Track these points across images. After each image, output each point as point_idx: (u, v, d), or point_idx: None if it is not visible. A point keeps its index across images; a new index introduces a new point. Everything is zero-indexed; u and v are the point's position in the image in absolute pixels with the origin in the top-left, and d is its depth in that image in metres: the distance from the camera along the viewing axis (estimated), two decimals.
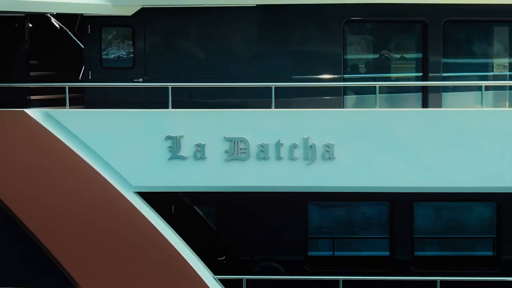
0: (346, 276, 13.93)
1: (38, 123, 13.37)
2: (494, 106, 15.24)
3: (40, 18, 15.75)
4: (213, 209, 15.01)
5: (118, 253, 13.41)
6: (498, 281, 14.08)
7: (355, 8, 14.66)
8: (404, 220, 15.02)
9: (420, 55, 15.17)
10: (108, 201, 13.33)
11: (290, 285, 14.53)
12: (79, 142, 13.37)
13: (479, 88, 14.41)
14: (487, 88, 15.25)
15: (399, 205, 14.84)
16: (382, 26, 15.39)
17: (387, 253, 15.21)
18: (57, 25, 16.43)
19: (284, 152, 13.33)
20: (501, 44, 15.69)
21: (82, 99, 14.80)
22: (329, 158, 13.33)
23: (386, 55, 15.53)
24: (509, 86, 15.47)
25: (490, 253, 15.24)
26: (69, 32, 16.22)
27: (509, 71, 15.55)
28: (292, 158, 13.33)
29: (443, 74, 14.99)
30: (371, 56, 15.70)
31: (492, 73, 15.77)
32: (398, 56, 15.64)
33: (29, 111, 13.47)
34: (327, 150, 13.28)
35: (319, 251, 15.52)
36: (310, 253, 15.31)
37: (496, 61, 15.82)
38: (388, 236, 15.23)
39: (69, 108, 13.74)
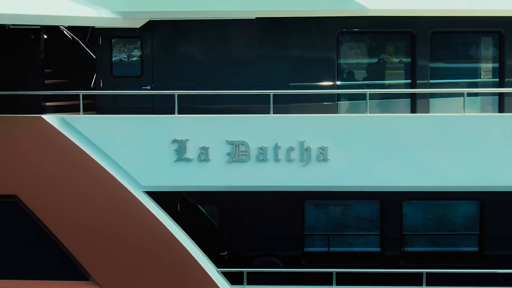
0: (339, 269, 14.99)
1: (54, 128, 14.39)
2: (481, 111, 16.31)
3: (54, 30, 16.72)
4: (216, 208, 16.07)
5: (128, 247, 14.45)
6: (480, 273, 15.13)
7: (348, 21, 15.73)
8: (393, 218, 16.04)
9: (409, 63, 16.30)
10: (119, 200, 14.36)
11: (287, 278, 15.58)
12: (92, 146, 14.39)
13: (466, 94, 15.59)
14: (477, 94, 16.41)
15: (389, 204, 15.87)
16: (373, 37, 16.51)
17: (378, 249, 16.26)
18: (69, 36, 17.44)
19: (281, 154, 14.36)
20: (485, 52, 16.80)
21: (93, 105, 15.83)
22: (323, 159, 14.37)
23: (384, 59, 16.62)
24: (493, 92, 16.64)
25: (475, 249, 16.27)
26: (81, 43, 17.18)
27: (493, 78, 16.61)
28: (289, 160, 14.37)
29: (431, 81, 16.08)
30: (363, 64, 16.81)
31: (478, 79, 16.86)
32: (389, 64, 16.75)
33: (46, 117, 14.48)
34: (321, 152, 14.32)
35: (315, 247, 16.45)
36: (306, 249, 16.26)
37: (481, 67, 16.92)
38: (379, 233, 16.32)
39: (83, 114, 14.84)
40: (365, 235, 16.43)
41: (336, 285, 14.74)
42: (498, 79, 16.33)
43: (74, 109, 15.34)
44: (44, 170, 14.48)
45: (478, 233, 16.12)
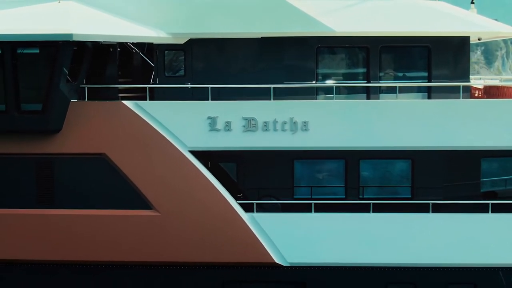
0: (316, 201, 22.41)
1: (130, 109, 21.73)
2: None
3: (122, 44, 23.49)
4: (234, 164, 23.17)
5: (178, 186, 21.74)
6: (409, 204, 22.38)
7: (323, 39, 23.26)
8: (353, 173, 23.26)
9: (365, 69, 23.74)
10: (173, 155, 21.72)
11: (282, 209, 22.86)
12: (155, 121, 21.64)
13: (408, 91, 22.98)
14: (419, 90, 23.82)
15: (350, 162, 23.18)
16: (340, 50, 24.07)
17: (343, 196, 23.27)
18: (131, 49, 24.76)
19: (278, 126, 21.72)
20: (420, 61, 24.24)
21: (152, 96, 22.75)
22: (306, 129, 21.81)
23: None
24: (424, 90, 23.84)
25: (409, 196, 23.25)
26: (141, 53, 24.42)
27: (429, 81, 23.82)
28: (283, 130, 21.75)
29: (380, 82, 23.66)
30: (335, 71, 24.14)
31: (413, 82, 23.94)
32: (352, 70, 24.19)
33: (125, 102, 21.82)
34: (304, 125, 21.81)
35: (302, 195, 23.33)
36: (296, 197, 23.30)
37: (417, 74, 24.11)
38: (344, 185, 23.45)
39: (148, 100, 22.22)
40: (335, 187, 23.36)
41: (314, 212, 22.25)
42: (427, 80, 23.79)
43: (137, 99, 22.30)
44: (123, 137, 21.74)
45: (411, 185, 23.17)
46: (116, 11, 22.83)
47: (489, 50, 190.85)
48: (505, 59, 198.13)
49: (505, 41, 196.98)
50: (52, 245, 22.24)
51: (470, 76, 24.81)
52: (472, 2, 25.72)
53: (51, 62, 21.02)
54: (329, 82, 23.69)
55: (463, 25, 23.56)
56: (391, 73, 23.99)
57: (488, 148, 22.12)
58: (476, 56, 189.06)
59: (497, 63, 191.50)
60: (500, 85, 25.58)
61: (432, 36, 23.53)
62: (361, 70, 23.96)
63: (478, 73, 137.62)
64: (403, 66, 24.14)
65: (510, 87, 24.69)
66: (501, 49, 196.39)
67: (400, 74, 23.92)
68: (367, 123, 21.95)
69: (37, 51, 21.64)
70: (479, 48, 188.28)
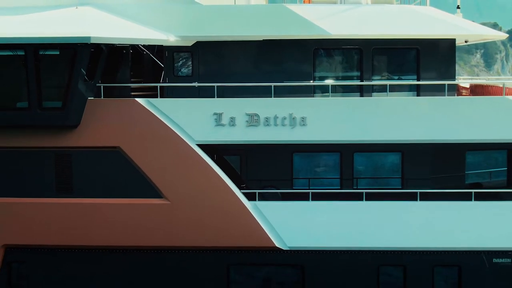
0: (313, 190, 24.33)
1: (143, 106, 23.64)
2: None
3: (133, 46, 25.43)
4: (238, 157, 25.01)
5: (187, 176, 23.61)
6: (399, 193, 24.28)
7: (320, 41, 25.21)
8: (348, 165, 25.09)
9: (358, 70, 25.60)
10: (181, 148, 23.57)
11: (282, 198, 24.73)
12: (165, 116, 23.48)
13: (399, 90, 24.80)
14: (410, 89, 25.68)
15: (345, 154, 25.05)
16: (336, 52, 25.98)
17: (338, 187, 25.25)
18: (142, 51, 26.65)
19: (278, 121, 23.64)
20: (410, 61, 26.10)
21: (162, 93, 24.56)
22: (304, 124, 23.71)
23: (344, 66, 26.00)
24: (414, 89, 25.71)
25: (399, 187, 25.09)
26: (151, 55, 26.37)
27: (418, 80, 25.66)
28: (283, 125, 23.66)
29: (373, 79, 25.58)
30: (330, 70, 26.02)
31: (403, 80, 25.85)
32: (346, 70, 26.09)
33: (138, 100, 23.72)
34: (302, 120, 23.71)
35: (300, 186, 25.13)
36: (295, 187, 25.21)
37: (406, 73, 25.93)
38: (339, 177, 25.35)
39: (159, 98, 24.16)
40: (331, 179, 25.18)
41: (312, 200, 24.17)
42: (416, 79, 25.67)
43: (147, 97, 24.13)
44: (136, 132, 23.62)
45: (401, 176, 25.00)
46: (129, 16, 24.79)
47: (489, 53, 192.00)
48: (505, 62, 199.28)
49: (504, 44, 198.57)
50: (70, 231, 24.11)
51: (464, 77, 26.60)
52: (458, 7, 27.59)
53: (70, 63, 22.95)
54: (326, 81, 25.53)
55: (449, 29, 25.41)
56: (383, 73, 25.85)
57: (472, 141, 23.93)
58: (475, 59, 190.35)
59: (497, 66, 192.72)
60: (485, 84, 27.49)
61: (420, 39, 25.41)
62: (355, 70, 25.80)
63: (477, 75, 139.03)
64: (394, 66, 25.99)
65: (494, 86, 26.61)
66: (500, 52, 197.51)
67: (391, 74, 25.76)
68: (360, 118, 23.81)
69: (57, 52, 23.56)
70: (478, 51, 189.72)
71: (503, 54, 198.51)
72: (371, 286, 24.11)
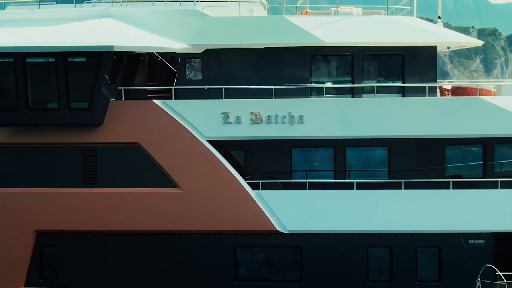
0: (310, 180, 27.25)
1: (159, 106, 26.58)
2: None
3: (149, 53, 28.15)
4: (243, 152, 27.74)
5: (198, 168, 26.51)
6: (386, 182, 27.10)
7: (315, 48, 28.11)
8: (341, 159, 27.84)
9: (349, 73, 28.51)
10: (193, 143, 26.43)
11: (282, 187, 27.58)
12: (179, 115, 26.36)
13: (387, 92, 27.62)
14: (397, 91, 28.54)
15: (338, 149, 27.80)
16: (330, 58, 28.93)
17: (332, 179, 27.99)
18: (157, 57, 29.41)
19: (279, 119, 26.56)
20: (395, 66, 28.97)
21: (176, 95, 27.30)
22: (301, 122, 26.64)
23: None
24: (400, 91, 28.47)
25: (386, 178, 27.78)
26: (165, 61, 29.01)
27: (403, 83, 28.41)
28: (283, 122, 26.58)
29: (363, 83, 28.55)
30: (325, 73, 28.93)
31: (389, 83, 28.54)
32: (339, 74, 28.99)
33: (155, 101, 26.64)
34: (300, 118, 26.67)
35: (298, 178, 27.81)
36: (294, 179, 27.95)
37: (393, 77, 28.71)
38: (333, 169, 28.18)
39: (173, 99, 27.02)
40: (326, 171, 28.08)
41: (308, 189, 27.13)
42: (402, 82, 28.58)
43: (161, 98, 26.83)
44: (154, 129, 26.51)
45: (387, 168, 27.83)
46: (146, 26, 27.66)
47: (488, 58, 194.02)
48: (504, 67, 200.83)
49: (504, 49, 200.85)
50: (94, 217, 27.06)
51: (444, 80, 29.30)
52: (439, 17, 30.54)
53: (95, 69, 25.90)
54: (321, 84, 28.35)
55: (430, 37, 28.32)
56: (372, 76, 28.77)
57: (451, 136, 26.85)
58: (475, 64, 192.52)
59: (496, 71, 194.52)
60: (464, 86, 30.48)
61: (405, 46, 28.22)
62: (347, 74, 28.66)
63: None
64: (382, 71, 28.76)
65: (472, 88, 29.54)
66: (500, 57, 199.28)
67: (379, 78, 28.68)
68: (351, 117, 26.71)
69: (84, 59, 26.50)
70: (478, 56, 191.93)
71: (502, 59, 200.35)
72: (361, 264, 26.99)
